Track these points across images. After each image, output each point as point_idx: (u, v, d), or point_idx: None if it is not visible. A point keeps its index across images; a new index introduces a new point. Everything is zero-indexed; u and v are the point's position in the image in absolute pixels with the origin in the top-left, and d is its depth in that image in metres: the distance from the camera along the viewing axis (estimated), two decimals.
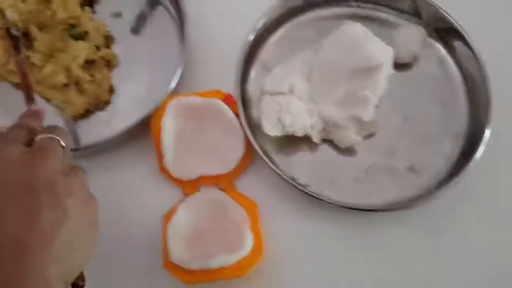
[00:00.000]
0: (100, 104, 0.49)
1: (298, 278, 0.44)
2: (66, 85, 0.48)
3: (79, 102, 0.48)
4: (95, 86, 0.49)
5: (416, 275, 0.45)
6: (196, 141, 0.47)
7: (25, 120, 0.36)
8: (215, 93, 0.48)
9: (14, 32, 0.45)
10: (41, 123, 0.37)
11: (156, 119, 0.46)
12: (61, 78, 0.48)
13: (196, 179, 0.46)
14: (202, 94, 0.48)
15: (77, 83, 0.48)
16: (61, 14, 0.48)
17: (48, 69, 0.47)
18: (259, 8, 0.51)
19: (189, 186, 0.46)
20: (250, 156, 0.47)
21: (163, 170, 0.47)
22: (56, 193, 0.30)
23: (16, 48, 0.44)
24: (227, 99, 0.47)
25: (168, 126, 0.46)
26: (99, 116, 0.50)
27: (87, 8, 0.51)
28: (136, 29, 0.53)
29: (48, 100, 0.49)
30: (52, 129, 0.35)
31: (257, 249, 0.42)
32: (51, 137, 0.33)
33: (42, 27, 0.49)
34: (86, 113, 0.49)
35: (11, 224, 0.29)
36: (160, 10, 0.54)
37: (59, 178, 0.31)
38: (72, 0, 0.50)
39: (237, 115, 0.47)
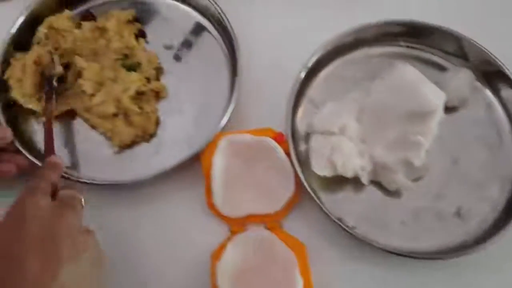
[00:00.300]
0: (146, 136, 0.49)
1: None
2: (114, 115, 0.48)
3: (126, 133, 0.48)
4: (143, 118, 0.48)
5: None
6: (245, 179, 0.46)
7: (47, 172, 0.38)
8: (266, 131, 0.48)
9: (54, 82, 0.46)
10: (60, 176, 0.40)
11: (207, 155, 0.46)
12: (111, 108, 0.47)
13: (244, 217, 0.46)
14: (252, 132, 0.47)
15: (126, 114, 0.48)
16: (116, 44, 0.48)
17: (98, 98, 0.47)
18: (308, 44, 0.51)
19: (236, 224, 0.46)
20: (298, 195, 0.47)
21: (212, 206, 0.46)
22: (76, 246, 0.34)
23: (49, 98, 0.46)
24: (278, 138, 0.47)
25: (219, 163, 0.46)
26: (144, 147, 0.49)
27: (141, 40, 0.51)
28: (179, 56, 0.53)
29: (95, 128, 0.49)
30: (72, 185, 0.38)
31: None
32: (74, 194, 0.37)
33: (93, 56, 0.49)
34: (131, 144, 0.49)
35: (32, 266, 0.31)
36: (208, 39, 0.54)
37: (79, 233, 0.35)
38: (128, 30, 0.50)
39: (287, 154, 0.46)
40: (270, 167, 0.46)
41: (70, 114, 0.50)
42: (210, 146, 0.46)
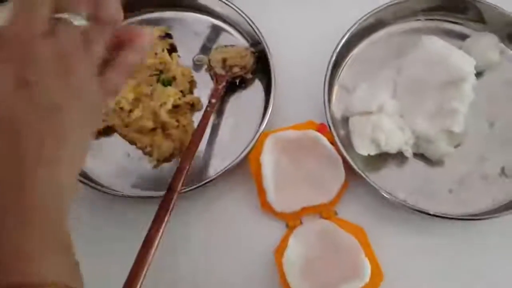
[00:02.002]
0: (184, 148, 0.49)
1: None
2: (152, 130, 0.49)
3: (165, 146, 0.49)
4: (180, 131, 0.49)
5: None
6: (295, 174, 0.47)
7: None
8: (308, 125, 0.49)
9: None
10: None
11: (254, 156, 0.47)
12: (149, 123, 0.49)
13: (299, 211, 0.47)
14: (295, 127, 0.48)
15: (164, 128, 0.49)
16: (150, 60, 0.50)
17: (136, 113, 0.48)
18: (331, 34, 0.52)
19: (292, 218, 0.47)
20: (347, 181, 0.48)
21: (266, 206, 0.47)
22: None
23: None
24: (321, 129, 0.48)
25: (268, 162, 0.46)
26: None
27: (174, 54, 0.52)
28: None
29: (133, 143, 0.50)
30: None
31: (376, 274, 0.43)
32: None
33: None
34: (170, 157, 0.49)
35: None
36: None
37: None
38: (161, 46, 0.52)
39: (332, 143, 0.47)
40: (317, 158, 0.47)
41: (108, 131, 0.51)
42: (257, 146, 0.47)
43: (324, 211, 0.47)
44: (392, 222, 0.47)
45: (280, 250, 0.45)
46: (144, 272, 0.39)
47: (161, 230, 0.41)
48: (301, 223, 0.47)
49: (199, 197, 0.49)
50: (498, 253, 0.46)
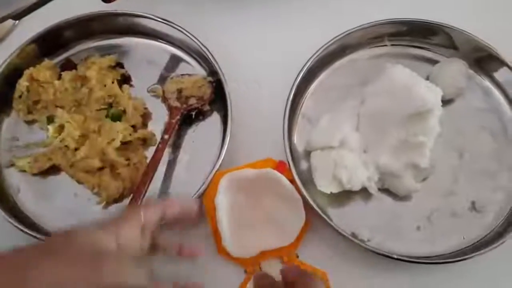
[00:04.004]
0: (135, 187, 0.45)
1: None
2: (100, 169, 0.46)
3: (113, 186, 0.45)
4: (131, 169, 0.46)
5: None
6: (253, 215, 0.44)
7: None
8: (266, 162, 0.46)
9: None
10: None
11: (209, 197, 0.44)
12: (96, 163, 0.45)
13: (258, 255, 0.44)
14: (252, 166, 0.46)
15: (112, 167, 0.46)
16: (98, 93, 0.47)
17: (82, 152, 0.45)
18: (292, 61, 0.49)
19: (250, 264, 0.44)
20: (309, 221, 0.45)
21: (222, 251, 0.44)
22: None
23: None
24: (280, 167, 0.45)
25: (223, 204, 0.43)
26: None
27: (125, 86, 0.49)
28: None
29: (80, 183, 0.47)
30: None
31: None
32: None
33: (76, 107, 0.48)
34: (119, 197, 0.46)
35: None
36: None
37: None
38: (110, 77, 0.48)
39: (291, 181, 0.44)
40: (277, 198, 0.44)
41: (54, 170, 0.47)
42: (211, 186, 0.44)
43: (285, 254, 0.44)
44: (356, 264, 0.45)
45: None
46: None
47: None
48: (260, 268, 0.44)
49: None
50: None
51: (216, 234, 0.44)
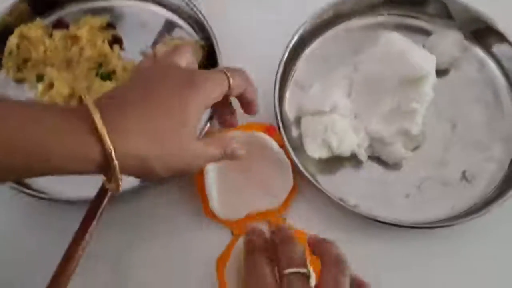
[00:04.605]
0: None
1: None
2: None
3: None
4: None
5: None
6: (241, 178, 0.44)
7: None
8: (256, 126, 0.46)
9: None
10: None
11: None
12: None
13: (245, 218, 0.44)
14: (242, 128, 0.45)
15: None
16: (88, 52, 0.46)
17: None
18: (287, 28, 0.49)
19: (237, 226, 0.44)
20: (296, 186, 0.45)
21: (209, 213, 0.44)
22: None
23: None
24: (270, 131, 0.45)
25: (211, 167, 0.43)
26: None
27: (115, 46, 0.49)
28: (146, 54, 0.50)
29: None
30: (301, 259, 0.32)
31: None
32: (302, 275, 0.31)
33: (66, 66, 0.47)
34: None
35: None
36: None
37: None
38: (101, 37, 0.48)
39: (281, 146, 0.44)
40: (265, 162, 0.44)
41: None
42: None
43: (272, 217, 0.44)
44: (343, 229, 0.44)
45: (223, 258, 0.42)
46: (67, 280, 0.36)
47: (86, 237, 0.38)
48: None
49: (136, 200, 0.45)
50: (450, 263, 0.44)
51: (203, 197, 0.44)
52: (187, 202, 0.45)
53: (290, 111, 0.49)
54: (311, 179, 0.43)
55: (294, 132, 0.48)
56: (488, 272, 0.43)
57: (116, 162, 0.30)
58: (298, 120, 0.48)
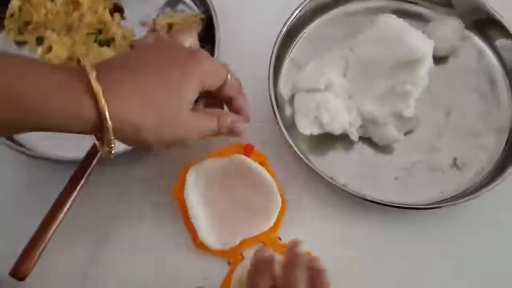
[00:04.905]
0: None
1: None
2: None
3: None
4: None
5: (464, 266, 0.43)
6: (228, 206, 0.43)
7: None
8: (234, 148, 0.44)
9: None
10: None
11: (178, 191, 0.42)
12: None
13: (238, 245, 0.42)
14: (219, 153, 0.44)
15: None
16: (89, 18, 0.47)
17: None
18: (286, 8, 0.49)
19: (232, 254, 0.42)
20: (284, 202, 0.43)
21: (199, 245, 0.42)
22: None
23: None
24: (247, 150, 0.44)
25: (193, 198, 0.42)
26: None
27: (116, 15, 0.49)
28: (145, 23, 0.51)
29: None
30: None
31: None
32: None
33: (66, 31, 0.48)
34: None
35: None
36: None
37: None
38: (102, 4, 0.49)
39: (262, 164, 0.43)
40: (249, 184, 0.43)
41: None
42: (179, 180, 0.43)
43: (266, 239, 0.43)
44: (333, 207, 0.45)
45: (227, 283, 0.41)
46: (49, 235, 0.37)
47: (73, 193, 0.38)
48: (242, 257, 0.42)
49: (127, 235, 0.44)
50: (438, 245, 0.44)
51: (190, 229, 0.43)
52: (177, 236, 0.43)
53: (284, 90, 0.49)
54: (302, 156, 0.43)
55: (288, 111, 0.48)
56: (476, 255, 0.43)
57: (110, 123, 0.30)
58: (292, 99, 0.48)
